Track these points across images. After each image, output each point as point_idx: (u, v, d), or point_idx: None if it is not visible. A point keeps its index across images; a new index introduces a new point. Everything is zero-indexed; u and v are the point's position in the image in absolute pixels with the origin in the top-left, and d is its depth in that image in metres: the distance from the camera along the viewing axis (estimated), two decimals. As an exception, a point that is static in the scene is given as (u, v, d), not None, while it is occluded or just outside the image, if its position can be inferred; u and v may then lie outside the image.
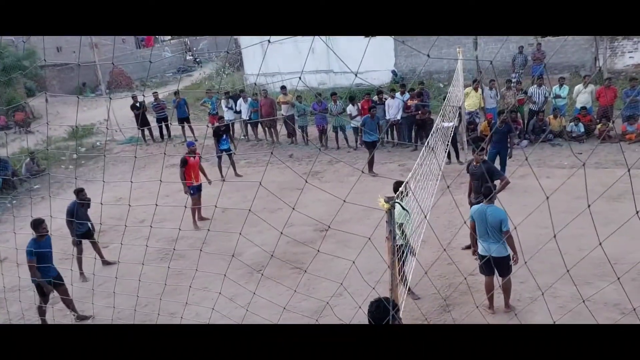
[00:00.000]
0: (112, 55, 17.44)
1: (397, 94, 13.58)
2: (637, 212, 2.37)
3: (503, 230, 5.86)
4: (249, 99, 15.17)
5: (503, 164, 10.02)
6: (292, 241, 7.64)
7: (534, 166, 10.79)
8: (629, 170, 2.74)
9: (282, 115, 14.87)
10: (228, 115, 15.46)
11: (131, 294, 5.84)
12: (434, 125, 9.21)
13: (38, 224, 6.55)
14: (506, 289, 6.15)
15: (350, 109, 13.56)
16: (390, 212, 4.94)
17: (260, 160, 13.70)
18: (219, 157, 12.18)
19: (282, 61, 19.47)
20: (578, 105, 12.96)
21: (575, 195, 8.59)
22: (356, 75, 3.06)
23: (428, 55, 2.24)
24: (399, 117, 13.36)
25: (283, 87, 15.20)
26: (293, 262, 7.67)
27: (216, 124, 12.50)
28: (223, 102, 15.48)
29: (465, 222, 6.59)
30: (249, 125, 15.49)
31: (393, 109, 13.33)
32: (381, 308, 3.95)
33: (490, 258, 5.85)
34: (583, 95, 12.92)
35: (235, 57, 25.59)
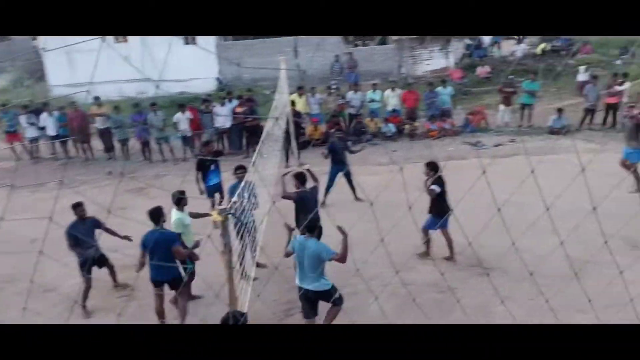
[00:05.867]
0: None
1: (226, 101, 13.39)
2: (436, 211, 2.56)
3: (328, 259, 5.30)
4: (55, 112, 13.45)
5: (351, 183, 9.57)
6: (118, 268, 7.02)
7: (358, 165, 11.51)
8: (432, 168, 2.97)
9: (98, 128, 13.54)
10: (30, 133, 13.50)
11: None
12: (264, 131, 9.20)
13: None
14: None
15: (179, 117, 12.89)
16: (224, 224, 4.76)
17: (74, 179, 12.23)
18: (209, 194, 8.76)
19: (93, 69, 17.77)
20: (389, 108, 14.33)
21: (395, 190, 9.41)
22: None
23: (238, 65, 2.11)
24: (228, 125, 13.17)
25: (96, 98, 13.85)
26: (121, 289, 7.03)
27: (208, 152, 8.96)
28: (23, 118, 13.45)
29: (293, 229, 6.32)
30: (57, 142, 13.72)
31: (222, 117, 13.10)
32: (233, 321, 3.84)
33: (310, 293, 5.34)
34: (392, 99, 14.33)
35: (35, 66, 22.56)
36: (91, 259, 6.52)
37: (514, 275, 6.53)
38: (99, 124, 13.47)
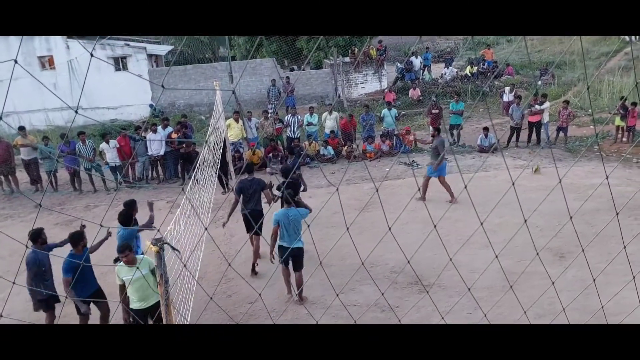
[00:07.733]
0: None
1: (159, 128, 13.01)
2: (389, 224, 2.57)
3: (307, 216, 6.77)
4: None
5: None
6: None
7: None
8: (376, 185, 3.00)
9: (23, 159, 12.77)
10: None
11: None
12: (199, 157, 9.01)
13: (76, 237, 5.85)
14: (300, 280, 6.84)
15: (103, 147, 12.37)
16: (159, 254, 4.57)
17: (-2, 214, 11.41)
18: None
19: (17, 98, 16.89)
20: (327, 131, 14.49)
21: (334, 211, 9.48)
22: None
23: (162, 86, 2.04)
24: (162, 153, 12.80)
25: (21, 128, 13.09)
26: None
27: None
28: None
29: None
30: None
31: (156, 144, 12.70)
32: None
33: (293, 250, 6.48)
34: (330, 122, 14.52)
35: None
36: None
37: (452, 290, 6.68)
38: (23, 154, 12.71)
